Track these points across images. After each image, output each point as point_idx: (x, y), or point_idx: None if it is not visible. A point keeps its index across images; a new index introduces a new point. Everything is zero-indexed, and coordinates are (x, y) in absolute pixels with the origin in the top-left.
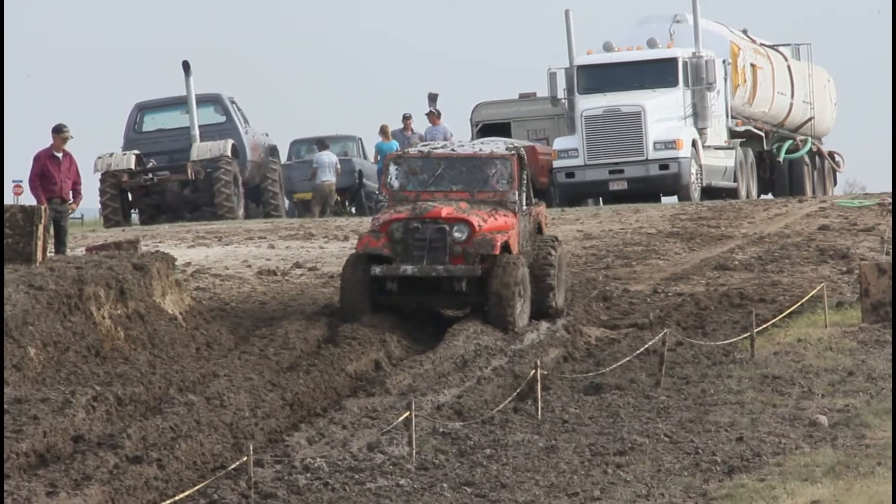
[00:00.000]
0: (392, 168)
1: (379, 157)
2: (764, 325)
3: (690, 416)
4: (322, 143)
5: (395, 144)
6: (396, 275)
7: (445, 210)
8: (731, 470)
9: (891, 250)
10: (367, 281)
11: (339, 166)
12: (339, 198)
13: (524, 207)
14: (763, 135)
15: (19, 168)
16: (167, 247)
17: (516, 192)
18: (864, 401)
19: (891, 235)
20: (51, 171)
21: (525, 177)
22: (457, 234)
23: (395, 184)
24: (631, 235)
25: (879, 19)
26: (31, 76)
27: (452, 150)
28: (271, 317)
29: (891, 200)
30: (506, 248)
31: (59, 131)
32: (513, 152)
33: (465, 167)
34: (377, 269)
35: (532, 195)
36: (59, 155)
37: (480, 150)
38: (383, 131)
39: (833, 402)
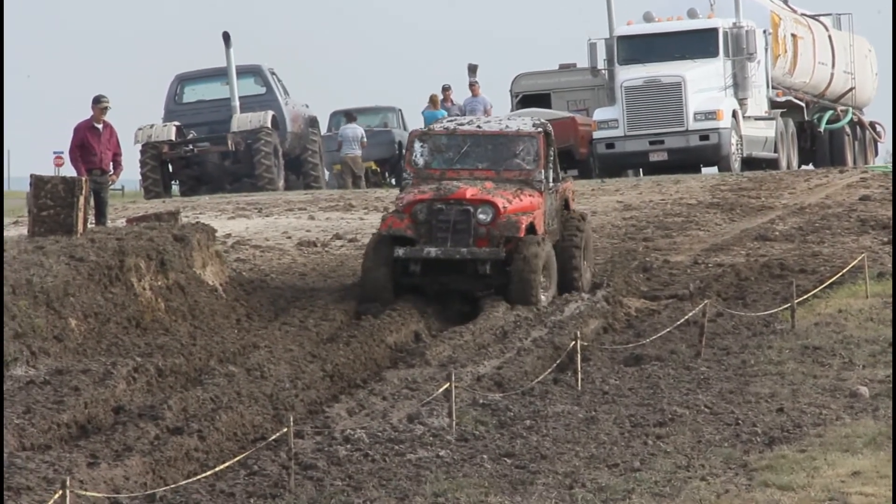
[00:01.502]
0: (417, 145)
1: None
2: (804, 296)
3: (731, 387)
4: (350, 116)
5: (443, 113)
6: (420, 257)
7: (470, 191)
8: (772, 441)
9: None
10: (390, 262)
11: (364, 139)
12: (378, 169)
13: (551, 185)
14: (804, 105)
15: (60, 139)
16: (207, 218)
17: (542, 171)
18: None
19: None
20: (91, 143)
21: (552, 153)
22: (481, 216)
23: (420, 161)
24: (671, 206)
25: None
26: (30, 76)
27: (478, 127)
28: (311, 288)
29: None
30: (531, 229)
31: (97, 102)
32: (539, 129)
33: (490, 145)
34: (400, 251)
35: (559, 171)
36: (100, 126)
37: (507, 127)
38: (432, 100)
39: (874, 372)
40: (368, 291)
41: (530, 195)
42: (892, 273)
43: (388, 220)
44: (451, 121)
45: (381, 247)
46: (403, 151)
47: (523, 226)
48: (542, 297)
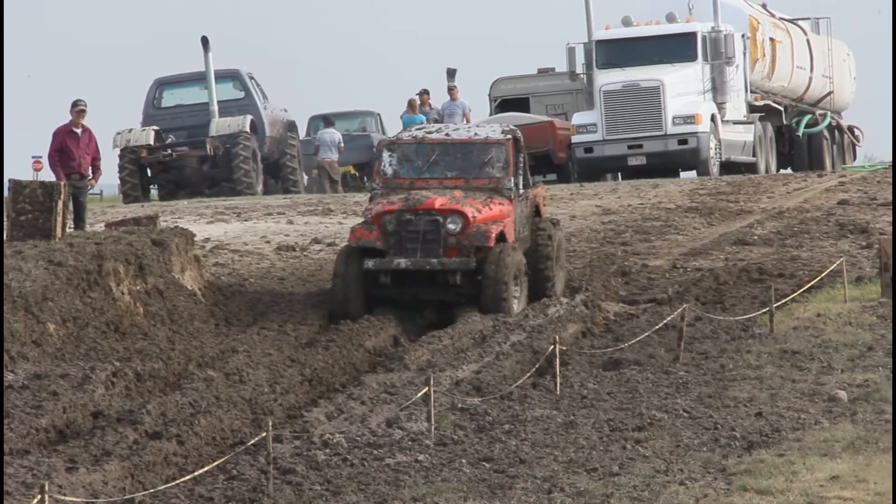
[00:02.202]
0: (385, 154)
1: None
2: (783, 300)
3: (709, 391)
4: (328, 120)
5: (421, 118)
6: (390, 269)
7: (439, 201)
8: (751, 445)
9: None
10: (360, 275)
11: (342, 144)
12: (357, 173)
13: (521, 191)
14: (782, 109)
15: (39, 144)
16: (186, 222)
17: (511, 179)
18: (883, 376)
19: None
20: (70, 147)
21: (522, 160)
22: (451, 226)
23: (389, 170)
24: (650, 210)
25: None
26: (30, 76)
27: (447, 135)
28: (290, 292)
29: None
30: (501, 238)
31: (75, 106)
32: (508, 136)
33: (459, 153)
34: (370, 263)
35: (529, 177)
36: (78, 130)
37: (475, 135)
38: (411, 105)
39: (852, 377)
40: (338, 303)
41: (500, 203)
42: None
43: (357, 232)
44: (420, 128)
45: (351, 259)
46: None
47: (493, 235)
48: (514, 305)
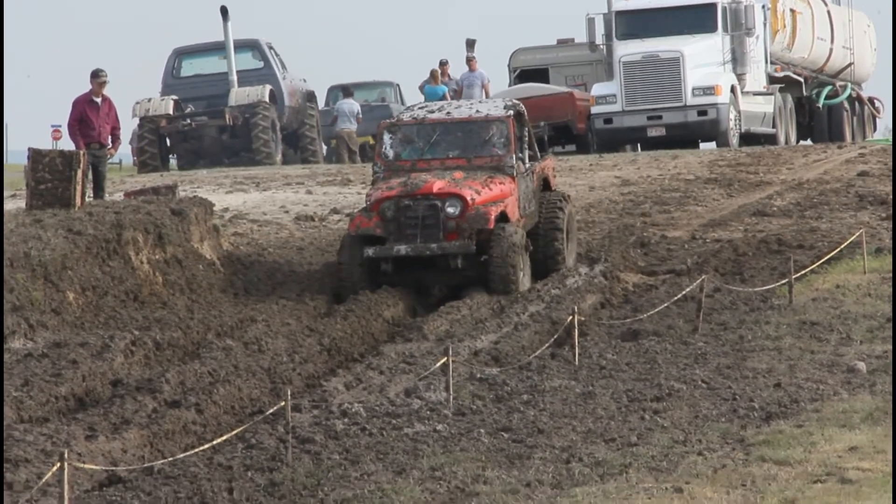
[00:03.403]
0: (386, 137)
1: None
2: (802, 272)
3: (728, 362)
4: (347, 91)
5: (443, 89)
6: (390, 255)
7: (437, 185)
8: (769, 416)
9: None
10: (363, 261)
11: (360, 114)
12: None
13: (526, 166)
14: (802, 80)
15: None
16: (205, 192)
17: (514, 156)
18: None
19: None
20: (89, 117)
21: (526, 134)
22: (450, 210)
23: (391, 153)
24: (669, 182)
25: None
26: (30, 76)
27: (448, 114)
28: (309, 262)
29: None
30: (502, 218)
31: (96, 76)
32: (509, 113)
33: (460, 132)
34: (370, 251)
35: (536, 150)
36: (98, 100)
37: (476, 112)
38: (433, 75)
39: (871, 348)
40: (347, 290)
41: (501, 182)
42: (892, 250)
43: (357, 220)
44: (422, 108)
45: (353, 246)
46: None
47: (492, 217)
48: (521, 283)
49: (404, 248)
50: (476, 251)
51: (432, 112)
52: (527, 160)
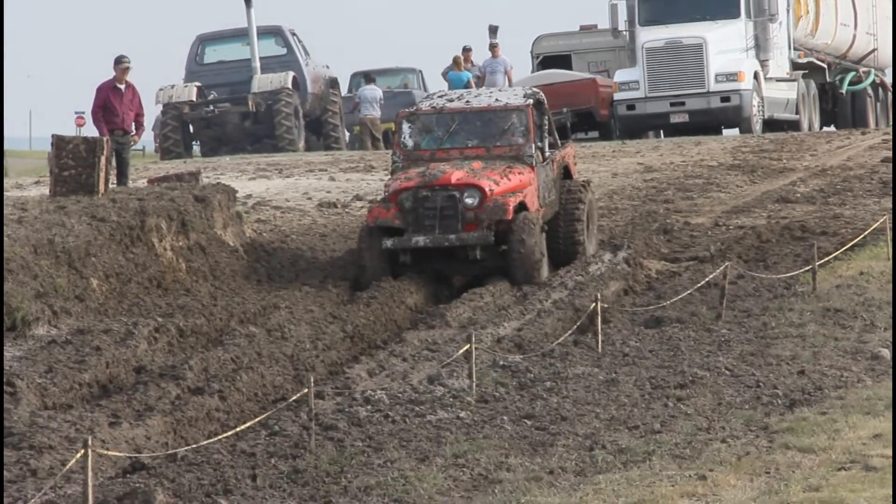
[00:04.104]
0: (405, 126)
1: (451, 88)
2: (826, 258)
3: (751, 349)
4: (368, 77)
5: (467, 75)
6: (409, 247)
7: (455, 175)
8: (793, 403)
9: None
10: (381, 253)
11: (382, 100)
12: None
13: (547, 154)
14: (825, 66)
15: (82, 99)
16: (228, 179)
17: (533, 145)
18: None
19: None
20: (113, 103)
21: (546, 122)
22: (468, 200)
23: (409, 143)
24: (692, 168)
25: None
26: (30, 76)
27: (467, 102)
28: (332, 249)
29: None
30: (521, 208)
31: (119, 62)
32: (528, 102)
33: (479, 121)
34: (388, 243)
35: (557, 138)
36: (122, 86)
37: (496, 101)
38: (456, 62)
39: None
40: (369, 280)
41: (520, 173)
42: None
43: (375, 211)
44: (442, 96)
45: (372, 237)
46: None
47: (511, 207)
48: (543, 273)
49: (423, 239)
50: (495, 242)
51: (451, 101)
52: (546, 149)
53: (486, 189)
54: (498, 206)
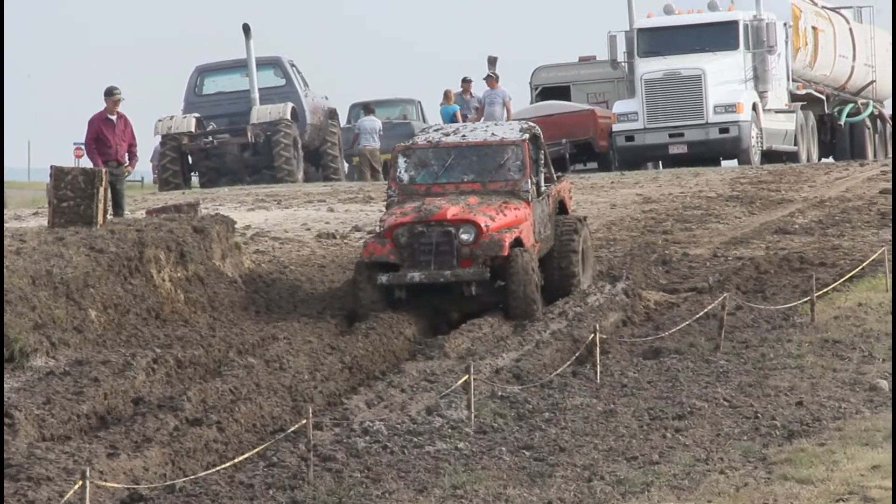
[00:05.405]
0: (401, 160)
1: (443, 122)
2: (824, 290)
3: (750, 380)
4: (368, 108)
5: (455, 107)
6: (404, 283)
7: (451, 211)
8: (791, 434)
9: None
10: (376, 288)
11: (381, 132)
12: None
13: (543, 189)
14: (824, 98)
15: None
16: (227, 210)
17: (528, 181)
18: None
19: None
20: (105, 135)
21: (542, 157)
22: (464, 236)
23: (405, 177)
24: (690, 199)
25: None
26: (31, 76)
27: (463, 136)
28: (330, 280)
29: None
30: (517, 244)
31: (110, 94)
32: (524, 136)
33: (475, 156)
34: (383, 278)
35: (553, 172)
36: (113, 118)
37: (492, 135)
38: (446, 96)
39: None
40: (365, 314)
41: (516, 208)
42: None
43: (370, 247)
44: (437, 130)
45: (368, 272)
46: None
47: (506, 243)
48: (539, 309)
49: (418, 275)
50: (490, 277)
51: (447, 135)
52: (542, 183)
53: (482, 225)
54: (494, 243)
